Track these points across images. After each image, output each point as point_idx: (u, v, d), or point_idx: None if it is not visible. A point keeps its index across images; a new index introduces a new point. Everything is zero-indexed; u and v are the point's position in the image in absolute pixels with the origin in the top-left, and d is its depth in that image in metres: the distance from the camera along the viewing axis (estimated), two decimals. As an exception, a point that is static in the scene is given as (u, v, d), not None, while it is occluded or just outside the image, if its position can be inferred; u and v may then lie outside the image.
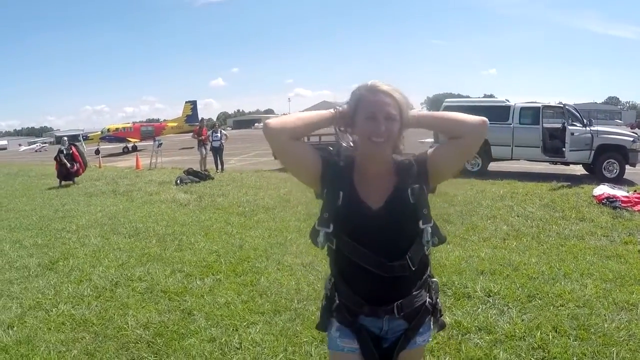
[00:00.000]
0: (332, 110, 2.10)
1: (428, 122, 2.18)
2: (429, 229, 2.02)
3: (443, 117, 2.12)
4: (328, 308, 2.20)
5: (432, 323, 2.21)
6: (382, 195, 2.02)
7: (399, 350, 2.10)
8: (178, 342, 4.43)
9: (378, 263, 1.98)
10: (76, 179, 18.05)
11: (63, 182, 17.67)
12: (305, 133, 2.15)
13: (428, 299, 2.15)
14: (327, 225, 2.02)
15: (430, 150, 2.13)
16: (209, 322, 4.80)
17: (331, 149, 2.14)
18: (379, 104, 1.95)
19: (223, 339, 4.42)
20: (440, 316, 2.28)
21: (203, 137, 20.13)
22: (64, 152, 17.98)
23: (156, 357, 4.23)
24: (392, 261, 1.98)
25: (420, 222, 2.01)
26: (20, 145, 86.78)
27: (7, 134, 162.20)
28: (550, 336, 4.19)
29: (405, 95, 2.03)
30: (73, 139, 28.12)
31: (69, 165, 17.76)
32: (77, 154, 18.57)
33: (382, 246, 1.99)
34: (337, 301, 2.14)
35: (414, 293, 2.09)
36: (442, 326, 2.33)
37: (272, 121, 2.03)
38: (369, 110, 1.95)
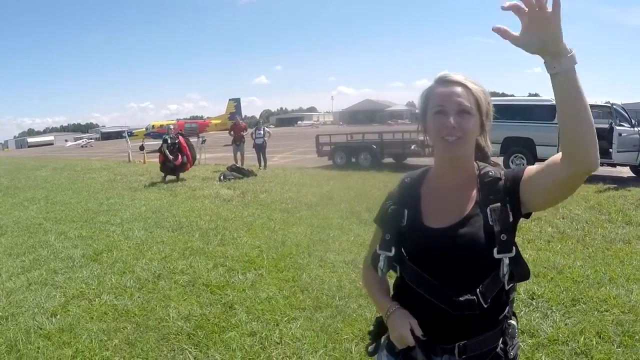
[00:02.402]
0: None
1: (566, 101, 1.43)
2: (507, 260, 1.61)
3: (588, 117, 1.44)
4: (377, 334, 1.89)
5: None
6: (455, 212, 1.70)
7: None
8: (218, 335, 4.48)
9: (444, 296, 1.65)
10: (182, 174, 16.36)
11: (167, 178, 16.13)
12: None
13: (501, 344, 1.72)
14: (388, 248, 1.75)
15: (529, 168, 1.67)
16: (250, 316, 4.85)
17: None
18: (448, 95, 1.65)
19: (263, 334, 4.46)
20: None
21: (236, 134, 20.05)
22: (169, 142, 15.97)
23: (196, 348, 4.28)
24: (460, 295, 1.63)
25: (495, 251, 1.61)
26: (66, 140, 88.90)
27: (54, 130, 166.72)
28: (594, 342, 4.08)
29: (484, 87, 1.72)
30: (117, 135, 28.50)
31: (171, 157, 15.80)
32: (185, 145, 16.51)
33: (449, 276, 1.65)
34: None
35: (485, 335, 1.69)
36: None
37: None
38: (438, 104, 1.66)
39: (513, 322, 1.79)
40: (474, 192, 1.71)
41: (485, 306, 1.63)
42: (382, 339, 1.89)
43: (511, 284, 1.69)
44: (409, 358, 1.75)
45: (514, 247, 1.63)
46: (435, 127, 1.66)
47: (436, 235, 1.68)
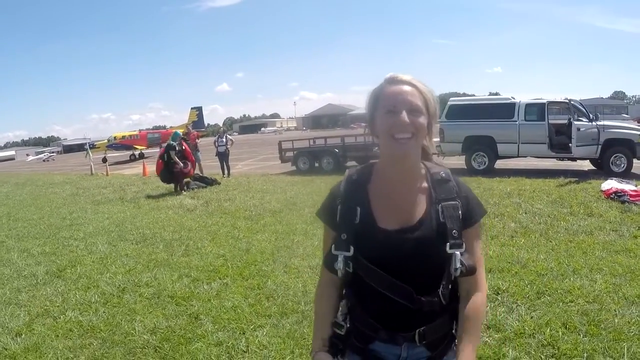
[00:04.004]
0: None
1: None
2: (458, 255, 1.66)
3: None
4: (340, 337, 1.84)
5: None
6: (408, 212, 1.72)
7: None
8: (185, 347, 4.41)
9: (404, 293, 1.68)
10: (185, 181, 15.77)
11: (172, 185, 15.56)
12: None
13: (455, 327, 1.82)
14: (346, 248, 1.72)
15: (475, 242, 1.77)
16: (216, 326, 4.79)
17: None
18: (400, 94, 1.65)
19: (230, 343, 4.41)
20: None
21: (191, 143, 19.41)
22: (177, 149, 15.32)
23: (163, 361, 4.21)
24: (422, 295, 1.68)
25: (448, 246, 1.66)
26: (27, 155, 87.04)
27: (15, 144, 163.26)
28: (560, 333, 4.14)
29: (431, 88, 1.72)
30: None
31: (181, 165, 15.19)
32: (189, 151, 16.09)
33: (407, 274, 1.68)
34: (348, 325, 1.83)
35: (439, 320, 1.76)
36: None
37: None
38: (389, 103, 1.66)
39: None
40: (425, 191, 1.74)
41: (444, 303, 1.71)
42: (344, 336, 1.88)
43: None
44: (369, 354, 1.81)
45: (464, 243, 1.68)
46: (387, 126, 1.65)
47: (391, 236, 1.69)
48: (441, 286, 1.69)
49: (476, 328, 1.73)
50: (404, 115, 1.62)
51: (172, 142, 15.50)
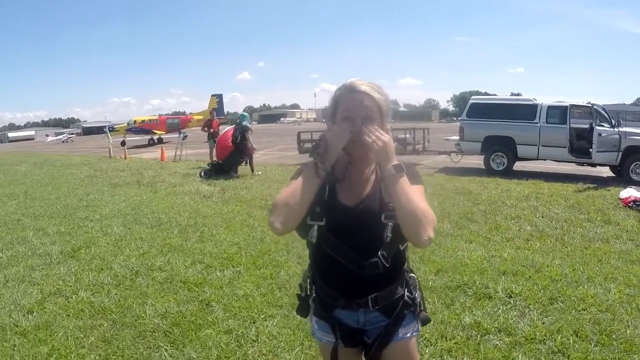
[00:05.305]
0: (311, 165, 1.98)
1: (395, 201, 1.89)
2: (390, 225, 1.96)
3: (411, 207, 1.87)
4: (304, 298, 2.29)
5: (413, 317, 2.20)
6: (360, 192, 2.07)
7: (382, 345, 2.13)
8: (195, 333, 4.45)
9: (354, 260, 2.00)
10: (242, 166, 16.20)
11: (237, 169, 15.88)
12: (303, 209, 1.97)
13: (407, 294, 2.16)
14: (320, 218, 2.02)
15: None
16: (227, 314, 4.82)
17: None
18: (356, 103, 1.98)
19: (240, 331, 4.43)
20: (421, 311, 2.24)
21: (213, 129, 19.76)
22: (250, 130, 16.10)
23: (172, 346, 4.25)
24: (367, 259, 1.99)
25: (383, 217, 1.98)
26: (47, 135, 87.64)
27: (35, 125, 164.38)
28: (571, 340, 4.10)
29: (385, 94, 2.05)
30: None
31: (253, 145, 16.04)
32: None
33: (358, 243, 2.00)
34: (314, 294, 2.21)
35: (390, 287, 2.11)
36: (424, 321, 2.29)
37: (276, 224, 1.94)
38: (346, 109, 1.99)
39: (413, 275, 2.24)
40: (374, 173, 2.10)
41: (387, 266, 2.00)
42: (310, 302, 2.25)
43: (405, 245, 2.10)
44: (333, 320, 2.16)
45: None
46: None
47: (348, 210, 2.04)
48: (379, 251, 1.98)
49: (416, 193, 1.93)
50: (358, 121, 1.96)
51: (247, 124, 16.10)
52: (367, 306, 2.08)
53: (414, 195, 1.88)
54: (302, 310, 2.33)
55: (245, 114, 17.38)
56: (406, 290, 2.16)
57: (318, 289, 2.19)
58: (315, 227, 2.04)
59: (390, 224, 1.96)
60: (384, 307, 2.10)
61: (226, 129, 17.27)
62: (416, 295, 2.20)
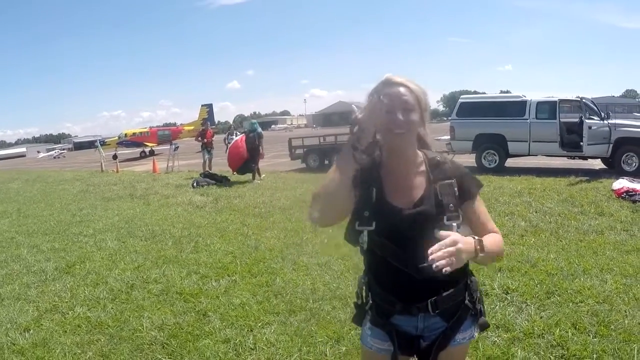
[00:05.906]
0: (346, 148, 1.81)
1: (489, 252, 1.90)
2: (455, 225, 1.90)
3: (498, 250, 2.00)
4: (361, 306, 2.20)
5: (472, 322, 2.12)
6: (413, 192, 2.00)
7: (438, 349, 2.05)
8: (192, 344, 4.42)
9: (411, 264, 1.90)
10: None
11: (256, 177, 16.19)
12: (342, 197, 1.88)
13: (468, 297, 2.08)
14: (369, 223, 1.94)
15: (480, 207, 2.06)
16: (224, 323, 4.79)
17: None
18: (394, 95, 1.91)
19: (237, 340, 4.41)
20: (481, 316, 2.15)
21: (207, 140, 19.89)
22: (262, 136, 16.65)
23: (170, 358, 4.23)
24: (424, 263, 1.80)
25: (445, 219, 1.92)
26: (38, 152, 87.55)
27: (26, 141, 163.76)
28: (570, 333, 4.10)
29: (423, 87, 2.00)
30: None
31: (263, 152, 16.59)
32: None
33: (413, 246, 1.88)
34: (370, 301, 2.12)
35: (450, 291, 2.01)
36: (483, 326, 2.17)
37: (314, 214, 1.94)
38: (387, 103, 1.88)
39: (474, 278, 2.15)
40: (424, 174, 2.02)
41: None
42: (367, 309, 2.15)
43: None
44: (390, 328, 2.06)
45: (460, 216, 1.96)
46: (386, 123, 1.88)
47: (401, 212, 1.94)
48: None
49: (492, 237, 1.97)
50: (399, 114, 1.89)
51: (260, 131, 16.56)
52: (427, 310, 1.99)
53: (494, 239, 1.97)
54: (359, 319, 2.23)
55: (255, 120, 17.80)
56: (467, 294, 2.09)
57: (374, 296, 2.10)
58: (365, 233, 1.96)
59: (454, 224, 1.91)
60: (444, 311, 2.02)
61: (234, 140, 17.46)
62: (476, 299, 2.13)
